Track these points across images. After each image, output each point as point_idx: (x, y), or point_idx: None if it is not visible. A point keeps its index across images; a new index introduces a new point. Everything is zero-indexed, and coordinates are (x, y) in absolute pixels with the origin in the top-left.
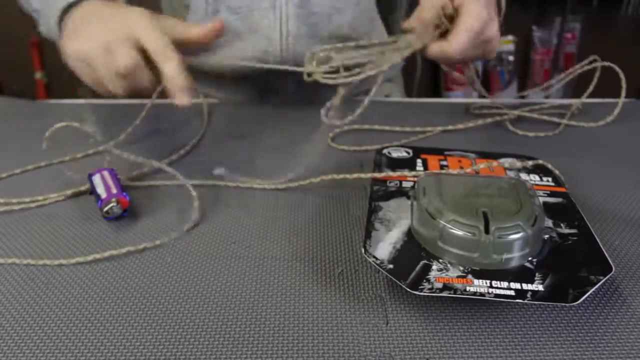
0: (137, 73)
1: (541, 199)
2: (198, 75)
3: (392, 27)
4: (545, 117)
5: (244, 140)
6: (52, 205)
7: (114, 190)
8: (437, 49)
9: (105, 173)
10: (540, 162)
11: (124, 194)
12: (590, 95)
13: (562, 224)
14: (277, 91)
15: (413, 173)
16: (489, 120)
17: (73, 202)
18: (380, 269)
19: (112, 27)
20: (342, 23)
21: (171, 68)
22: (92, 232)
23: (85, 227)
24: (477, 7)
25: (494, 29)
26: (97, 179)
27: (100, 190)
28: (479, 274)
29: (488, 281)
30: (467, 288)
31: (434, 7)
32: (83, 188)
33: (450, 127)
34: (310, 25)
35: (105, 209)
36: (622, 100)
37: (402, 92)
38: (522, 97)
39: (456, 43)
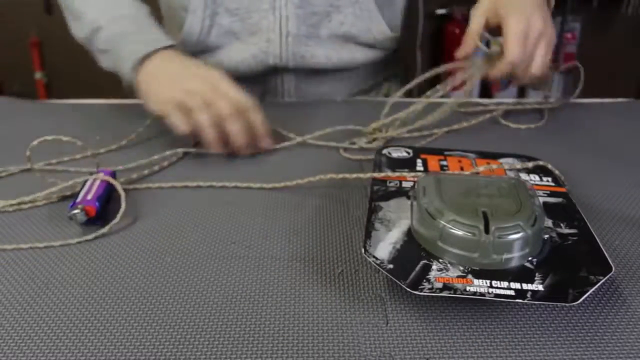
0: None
1: (541, 199)
2: None
3: (390, 22)
4: (535, 105)
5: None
6: (48, 206)
7: (89, 197)
8: (501, 67)
9: (100, 175)
10: (541, 163)
11: (96, 202)
12: (585, 95)
13: (562, 224)
14: (276, 91)
15: (413, 173)
16: (480, 118)
17: (66, 203)
18: (380, 269)
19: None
20: (342, 21)
21: (258, 117)
22: (90, 233)
23: (84, 228)
24: (514, 13)
25: (538, 21)
26: (89, 181)
27: (81, 193)
28: (479, 274)
29: (488, 281)
30: (467, 288)
31: (476, 32)
32: (68, 193)
33: (445, 129)
34: (310, 25)
35: (69, 214)
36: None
37: (402, 92)
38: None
39: (509, 50)
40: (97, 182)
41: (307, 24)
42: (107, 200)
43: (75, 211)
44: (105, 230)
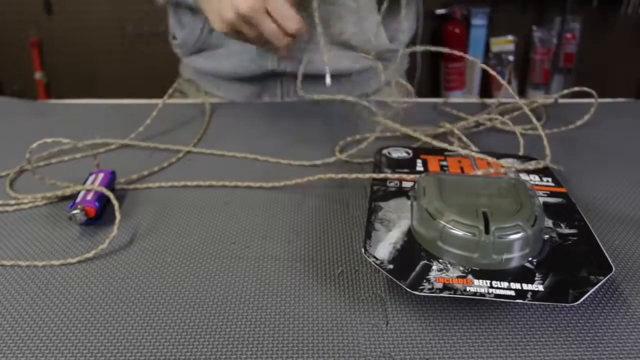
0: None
1: (541, 199)
2: (199, 74)
3: (393, 35)
4: (535, 104)
5: (245, 139)
6: (48, 206)
7: (89, 197)
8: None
9: (101, 175)
10: (541, 163)
11: (96, 202)
12: (585, 95)
13: (562, 224)
14: (274, 91)
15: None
16: (481, 118)
17: (66, 203)
18: (380, 269)
19: None
20: (342, 30)
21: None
22: (90, 232)
23: (83, 228)
24: None
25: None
26: (89, 180)
27: (80, 193)
28: (479, 274)
29: (488, 281)
30: (467, 288)
31: None
32: (68, 193)
33: (443, 129)
34: (309, 30)
35: (69, 214)
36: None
37: (404, 97)
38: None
39: None
40: (97, 182)
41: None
42: (108, 200)
43: (75, 211)
44: (90, 255)
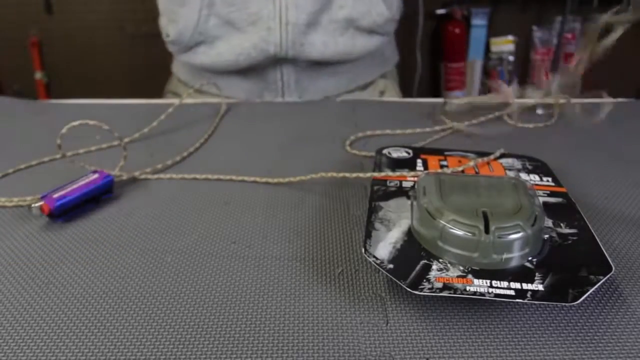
0: None
1: (541, 199)
2: (195, 73)
3: (389, 3)
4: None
5: (250, 138)
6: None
7: (55, 195)
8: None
9: (95, 176)
10: (541, 162)
11: (57, 202)
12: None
13: (562, 224)
14: (276, 85)
15: (413, 173)
16: (481, 118)
17: None
18: (380, 269)
19: None
20: (342, 5)
21: None
22: (90, 230)
23: (84, 226)
24: None
25: None
26: (81, 178)
27: (59, 188)
28: (479, 274)
29: (488, 281)
30: (467, 288)
31: None
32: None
33: (441, 127)
34: (309, 12)
35: (32, 206)
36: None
37: (397, 90)
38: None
39: None
40: (84, 182)
41: (306, 12)
42: (85, 201)
43: (34, 204)
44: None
